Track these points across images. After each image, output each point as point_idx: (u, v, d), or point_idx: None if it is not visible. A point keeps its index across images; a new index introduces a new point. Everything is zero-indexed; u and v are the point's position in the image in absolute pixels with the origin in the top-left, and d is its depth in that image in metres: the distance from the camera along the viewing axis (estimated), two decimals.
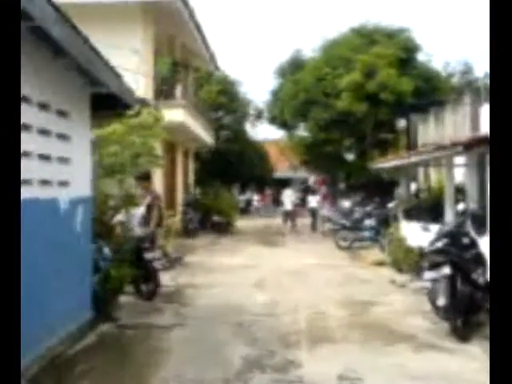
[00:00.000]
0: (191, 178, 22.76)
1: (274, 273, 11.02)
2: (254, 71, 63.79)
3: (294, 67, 26.74)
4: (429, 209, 11.05)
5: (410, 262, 10.94)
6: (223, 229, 19.75)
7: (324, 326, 6.51)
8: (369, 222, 16.57)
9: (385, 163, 13.33)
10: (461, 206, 7.01)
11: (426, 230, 7.11)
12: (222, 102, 32.63)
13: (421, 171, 17.61)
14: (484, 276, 6.22)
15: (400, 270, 11.24)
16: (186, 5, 16.14)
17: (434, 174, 17.63)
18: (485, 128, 12.78)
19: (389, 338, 5.92)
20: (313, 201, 23.92)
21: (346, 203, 22.89)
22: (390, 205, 19.38)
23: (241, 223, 23.89)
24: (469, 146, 7.62)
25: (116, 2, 14.96)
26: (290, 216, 22.61)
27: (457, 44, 54.88)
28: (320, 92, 23.45)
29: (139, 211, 8.50)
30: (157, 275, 8.11)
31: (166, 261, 10.39)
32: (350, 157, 27.55)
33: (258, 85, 63.31)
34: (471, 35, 58.12)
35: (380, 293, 8.74)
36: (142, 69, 15.09)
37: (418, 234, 11.50)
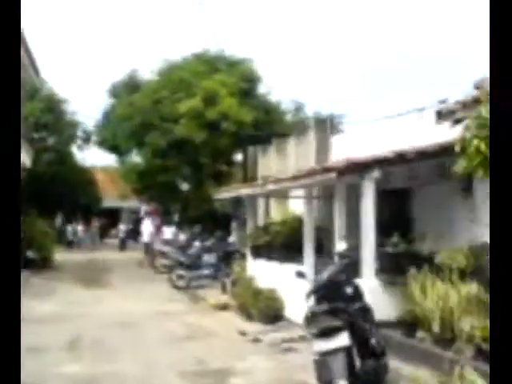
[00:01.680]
0: None
1: (97, 327, 8.71)
2: (84, 91, 59.38)
3: (129, 88, 24.69)
4: (283, 246, 9.74)
5: (261, 306, 9.52)
6: (38, 265, 16.65)
7: None
8: (208, 258, 15.12)
9: (231, 192, 11.91)
10: (341, 246, 5.65)
11: (300, 276, 5.58)
12: (47, 121, 29.29)
13: (261, 204, 16.63)
14: (377, 337, 4.87)
15: (248, 315, 9.74)
16: None
17: (274, 208, 16.80)
18: (336, 157, 12.02)
19: None
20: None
21: (182, 236, 21.33)
22: (231, 239, 18.13)
23: (62, 257, 20.82)
24: (343, 172, 6.42)
25: None
26: (149, 248, 21.20)
27: (286, 83, 56.92)
28: (157, 116, 21.73)
29: None
30: None
31: None
32: (185, 187, 26.14)
33: (87, 107, 59.39)
34: (298, 76, 60.91)
35: (233, 353, 7.02)
36: None
37: (270, 274, 10.20)
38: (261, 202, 16.26)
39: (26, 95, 27.40)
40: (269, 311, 9.39)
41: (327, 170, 6.48)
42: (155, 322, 9.24)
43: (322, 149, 15.36)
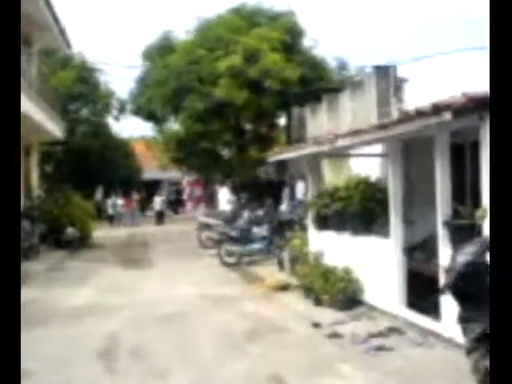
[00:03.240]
0: (35, 181, 18.02)
1: (136, 322, 7.20)
2: (118, 58, 57.72)
3: (163, 50, 22.97)
4: (356, 215, 7.99)
5: (334, 288, 7.87)
6: (76, 245, 15.39)
7: None
8: (259, 231, 13.52)
9: (288, 153, 10.18)
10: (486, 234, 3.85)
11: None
12: (80, 92, 28.10)
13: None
14: None
15: (317, 299, 8.12)
16: None
17: (329, 171, 15.10)
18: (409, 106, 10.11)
19: None
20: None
21: (228, 206, 19.81)
22: (283, 208, 16.49)
23: (102, 234, 19.64)
24: (461, 111, 4.61)
25: None
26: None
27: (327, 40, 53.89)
28: (194, 78, 20.01)
29: None
30: None
31: None
32: (227, 153, 24.51)
33: (121, 76, 57.69)
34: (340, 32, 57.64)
35: (314, 359, 5.40)
36: None
37: (341, 249, 8.53)
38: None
39: (56, 65, 26.35)
40: (344, 294, 7.75)
41: (438, 109, 4.67)
42: (207, 311, 7.70)
43: (384, 102, 13.52)
